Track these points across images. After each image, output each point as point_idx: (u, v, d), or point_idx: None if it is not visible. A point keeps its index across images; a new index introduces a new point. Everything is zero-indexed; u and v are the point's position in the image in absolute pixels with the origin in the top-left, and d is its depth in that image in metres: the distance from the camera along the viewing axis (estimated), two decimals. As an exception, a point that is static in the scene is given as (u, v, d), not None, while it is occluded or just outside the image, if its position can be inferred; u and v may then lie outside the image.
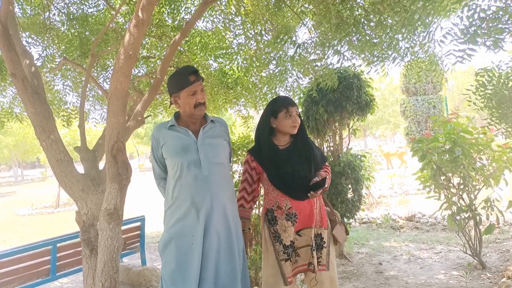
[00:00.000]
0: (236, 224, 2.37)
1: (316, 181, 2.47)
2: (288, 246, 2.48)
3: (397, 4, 3.04)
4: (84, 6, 4.96)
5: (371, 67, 3.81)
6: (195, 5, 5.06)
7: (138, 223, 5.33)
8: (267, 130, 2.59)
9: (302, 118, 2.67)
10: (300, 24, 4.54)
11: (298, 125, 2.57)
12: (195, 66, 5.23)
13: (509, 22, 2.82)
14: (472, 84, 4.08)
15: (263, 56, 4.22)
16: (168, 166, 2.34)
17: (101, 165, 3.65)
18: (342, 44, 3.60)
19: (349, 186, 5.32)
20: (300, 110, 5.63)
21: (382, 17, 3.29)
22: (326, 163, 2.73)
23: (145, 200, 14.60)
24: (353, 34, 3.42)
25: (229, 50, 5.41)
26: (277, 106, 2.57)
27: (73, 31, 4.92)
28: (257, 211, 3.97)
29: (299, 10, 4.25)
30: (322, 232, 2.56)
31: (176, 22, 5.07)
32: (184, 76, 2.27)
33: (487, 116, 4.11)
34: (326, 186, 2.48)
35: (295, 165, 2.50)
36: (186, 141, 2.29)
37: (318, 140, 5.58)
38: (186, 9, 5.08)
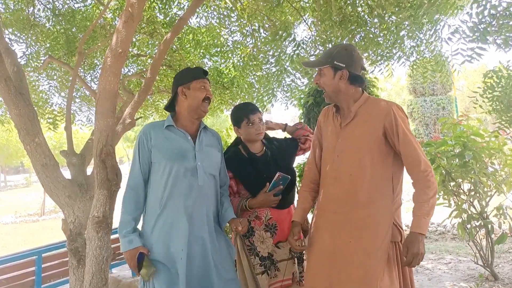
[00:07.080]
0: (219, 242, 2.35)
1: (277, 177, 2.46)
2: (265, 258, 2.47)
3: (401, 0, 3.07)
4: (71, 1, 4.97)
5: (375, 67, 3.84)
6: None
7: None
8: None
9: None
10: (300, 21, 4.56)
11: (264, 131, 2.60)
12: (188, 64, 5.28)
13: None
14: (480, 86, 4.08)
15: (261, 55, 4.23)
16: (156, 171, 2.21)
17: (89, 170, 3.65)
18: (344, 42, 3.61)
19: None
20: (300, 112, 5.69)
21: (386, 14, 3.31)
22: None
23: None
24: (356, 33, 3.44)
25: (224, 48, 5.43)
26: (238, 116, 2.59)
27: (59, 27, 4.93)
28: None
29: (299, 5, 4.28)
30: None
31: (168, 18, 5.09)
32: (198, 69, 2.38)
33: (496, 120, 4.12)
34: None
35: (273, 172, 2.47)
36: (184, 145, 2.23)
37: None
38: (178, 4, 5.10)
